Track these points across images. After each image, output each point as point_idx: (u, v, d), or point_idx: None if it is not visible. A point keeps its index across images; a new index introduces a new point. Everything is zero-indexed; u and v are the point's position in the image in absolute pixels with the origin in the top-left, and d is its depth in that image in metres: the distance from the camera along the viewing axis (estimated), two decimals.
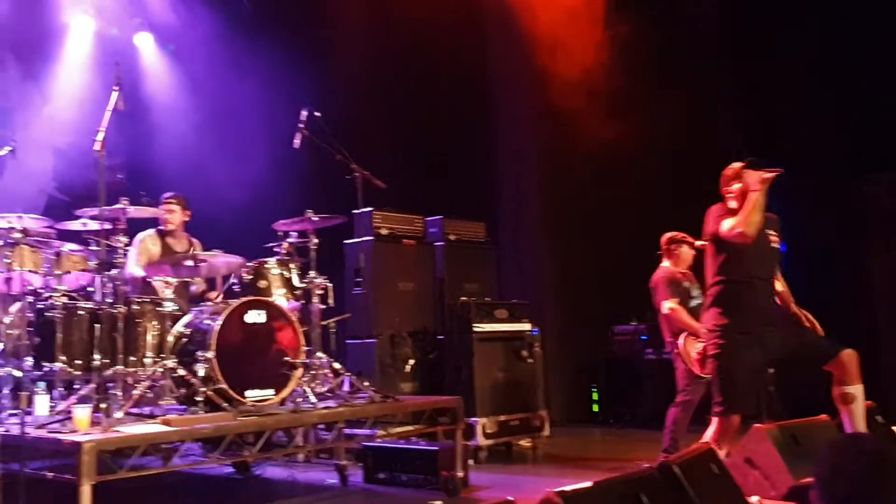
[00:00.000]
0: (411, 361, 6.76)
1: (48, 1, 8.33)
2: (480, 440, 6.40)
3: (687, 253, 5.82)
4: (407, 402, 5.69)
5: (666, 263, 5.84)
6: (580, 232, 8.41)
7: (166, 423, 4.45)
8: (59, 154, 8.56)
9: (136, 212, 5.09)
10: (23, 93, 8.47)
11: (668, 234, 5.91)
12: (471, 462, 5.90)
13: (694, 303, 5.69)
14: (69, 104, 8.54)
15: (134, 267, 5.86)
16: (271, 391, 4.95)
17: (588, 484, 2.81)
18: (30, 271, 5.57)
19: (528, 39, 7.84)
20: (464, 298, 6.82)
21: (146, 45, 8.97)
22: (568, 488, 2.71)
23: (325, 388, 5.37)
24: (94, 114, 8.40)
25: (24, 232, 5.03)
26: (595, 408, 8.55)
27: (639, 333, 8.26)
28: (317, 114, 5.88)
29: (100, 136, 4.75)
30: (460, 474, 5.33)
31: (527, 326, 6.99)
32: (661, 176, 7.81)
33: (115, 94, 4.92)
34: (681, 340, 5.53)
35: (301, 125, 5.81)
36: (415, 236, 7.25)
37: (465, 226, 7.62)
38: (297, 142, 5.81)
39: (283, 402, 5.03)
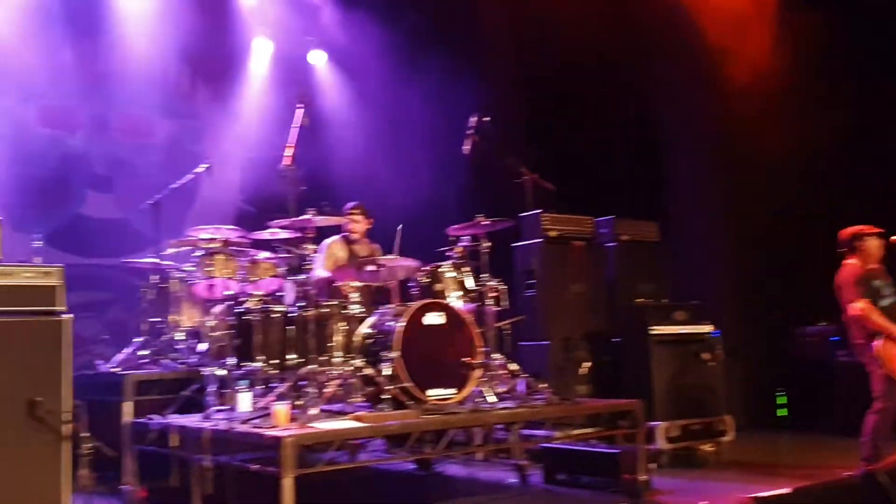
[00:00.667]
0: (586, 364, 6.70)
1: (232, 27, 8.95)
2: (661, 444, 6.24)
3: (873, 246, 5.42)
4: (585, 404, 5.65)
5: (852, 260, 5.46)
6: (758, 230, 8.05)
7: (357, 419, 4.65)
8: (245, 168, 9.16)
9: (322, 221, 5.35)
10: (212, 113, 9.14)
11: (851, 229, 5.52)
12: (652, 466, 5.77)
13: (886, 301, 5.29)
14: (252, 121, 9.14)
15: (320, 270, 6.17)
16: (452, 391, 5.06)
17: (786, 490, 2.70)
18: (227, 278, 6.02)
19: (698, 36, 7.61)
20: (639, 300, 6.70)
21: (320, 62, 9.43)
22: (764, 494, 2.61)
23: (502, 389, 5.44)
24: (275, 129, 9.02)
25: (224, 242, 5.40)
26: (782, 412, 8.11)
27: (828, 335, 7.79)
28: (486, 119, 5.97)
29: (288, 152, 5.03)
30: (643, 478, 5.23)
31: (708, 328, 6.76)
32: (840, 171, 7.37)
33: (299, 112, 5.21)
34: (876, 343, 5.15)
35: (470, 131, 5.91)
36: (585, 237, 7.18)
37: (636, 226, 7.46)
38: (466, 147, 5.93)
39: (463, 402, 5.14)
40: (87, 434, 4.67)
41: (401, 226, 6.01)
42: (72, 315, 4.77)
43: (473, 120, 5.91)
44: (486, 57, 8.48)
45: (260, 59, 9.27)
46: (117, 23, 8.29)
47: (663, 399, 6.39)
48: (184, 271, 6.55)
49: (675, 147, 8.48)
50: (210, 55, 8.98)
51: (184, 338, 6.44)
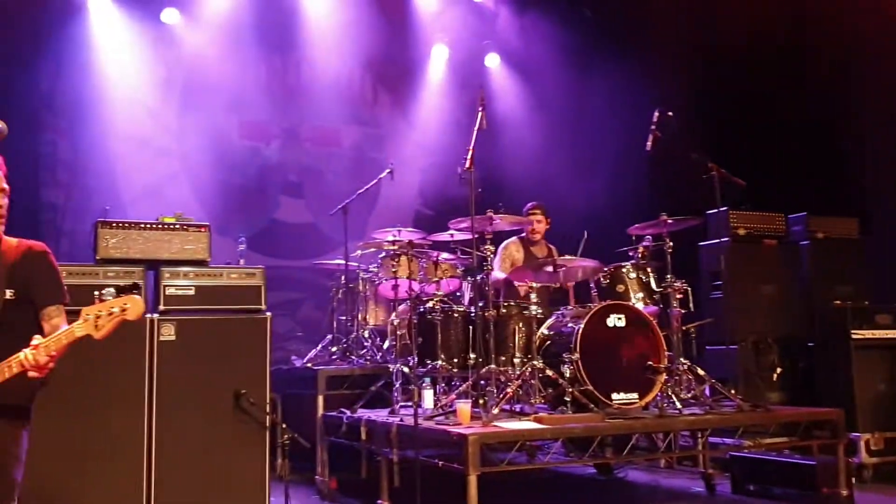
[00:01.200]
0: (778, 370, 6.34)
1: (411, 36, 9.24)
2: (864, 457, 5.80)
3: None
4: (779, 412, 5.35)
5: None
6: None
7: (539, 420, 4.66)
8: (423, 172, 9.44)
9: (502, 222, 5.40)
10: (392, 120, 9.49)
11: None
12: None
13: None
14: (430, 127, 9.41)
15: (498, 272, 6.25)
16: (635, 395, 4.95)
17: None
18: (409, 278, 6.22)
19: None
20: (838, 302, 6.25)
21: (495, 65, 9.53)
22: None
23: (688, 395, 5.26)
24: (452, 134, 9.24)
25: (407, 244, 5.58)
26: None
27: None
28: (668, 113, 5.79)
29: (469, 155, 5.11)
30: (844, 492, 4.88)
31: None
32: None
33: (480, 115, 5.28)
34: None
35: (653, 127, 5.76)
36: (776, 235, 6.79)
37: (833, 223, 6.95)
38: (649, 144, 5.77)
39: (646, 407, 5.03)
40: (285, 425, 4.97)
41: (586, 232, 5.96)
42: (270, 313, 5.13)
43: (655, 115, 5.75)
44: (666, 50, 8.21)
45: (437, 66, 9.51)
46: (306, 38, 8.80)
47: (866, 409, 5.94)
48: (369, 272, 6.85)
49: (876, 137, 7.81)
50: (391, 64, 9.33)
51: (369, 336, 6.74)
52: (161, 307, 4.84)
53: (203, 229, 5.16)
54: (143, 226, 5.00)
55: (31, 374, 2.76)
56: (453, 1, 9.23)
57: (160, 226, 5.05)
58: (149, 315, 4.76)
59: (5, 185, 3.05)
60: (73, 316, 2.95)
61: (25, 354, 2.75)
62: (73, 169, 7.92)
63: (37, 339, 2.79)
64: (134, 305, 2.75)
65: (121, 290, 2.75)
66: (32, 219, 7.42)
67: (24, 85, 7.39)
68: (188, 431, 4.72)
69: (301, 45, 8.83)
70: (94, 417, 4.53)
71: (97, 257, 4.84)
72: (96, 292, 2.85)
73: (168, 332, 4.80)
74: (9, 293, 2.98)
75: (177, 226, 5.09)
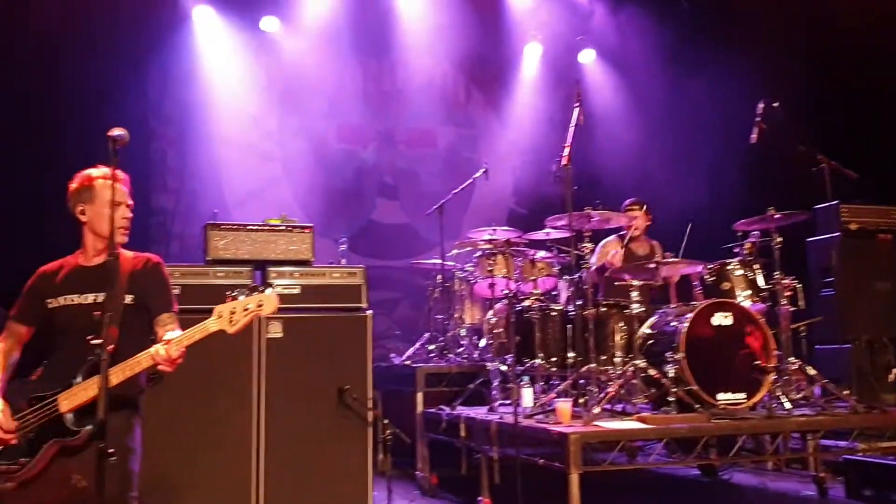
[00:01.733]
0: (894, 370, 6.03)
1: (504, 36, 9.24)
2: None
3: None
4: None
5: None
6: None
7: (642, 420, 4.58)
8: (516, 171, 9.42)
9: (601, 219, 5.34)
10: (486, 120, 9.51)
11: None
12: None
13: None
14: (523, 126, 9.38)
15: (594, 262, 6.19)
16: (742, 395, 4.81)
17: None
18: (505, 277, 6.23)
19: None
20: None
21: (589, 61, 9.42)
22: None
23: (798, 395, 5.07)
24: (545, 132, 9.18)
25: (506, 242, 5.57)
26: None
27: None
28: (774, 104, 5.60)
29: (566, 152, 5.08)
30: None
31: None
32: None
33: (577, 110, 5.23)
34: None
35: (758, 118, 5.58)
36: (891, 230, 6.47)
37: None
38: (754, 137, 5.60)
39: (754, 407, 4.87)
40: (387, 421, 5.05)
41: (690, 223, 5.83)
42: (371, 311, 5.22)
43: (760, 107, 5.56)
44: (771, 39, 7.91)
45: (530, 64, 9.48)
46: (400, 41, 8.93)
47: None
48: (465, 271, 6.89)
49: None
50: (484, 64, 9.36)
51: (466, 334, 6.78)
52: None
53: (307, 230, 5.30)
54: (250, 227, 5.18)
55: (162, 368, 2.92)
56: None
57: (266, 227, 5.22)
58: None
59: (130, 202, 3.25)
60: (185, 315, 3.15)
61: (157, 349, 2.90)
62: (181, 175, 8.27)
63: (170, 335, 2.95)
64: (269, 302, 2.87)
65: (252, 289, 2.87)
66: (143, 223, 7.77)
67: (134, 95, 7.74)
68: (294, 426, 4.86)
69: (396, 48, 8.96)
70: (207, 411, 4.71)
71: (207, 258, 5.03)
72: (228, 292, 2.97)
73: (275, 330, 4.95)
74: (129, 298, 3.18)
75: (282, 227, 5.24)
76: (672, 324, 5.09)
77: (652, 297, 6.14)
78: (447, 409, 5.62)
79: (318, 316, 5.07)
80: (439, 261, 7.08)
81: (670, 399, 4.80)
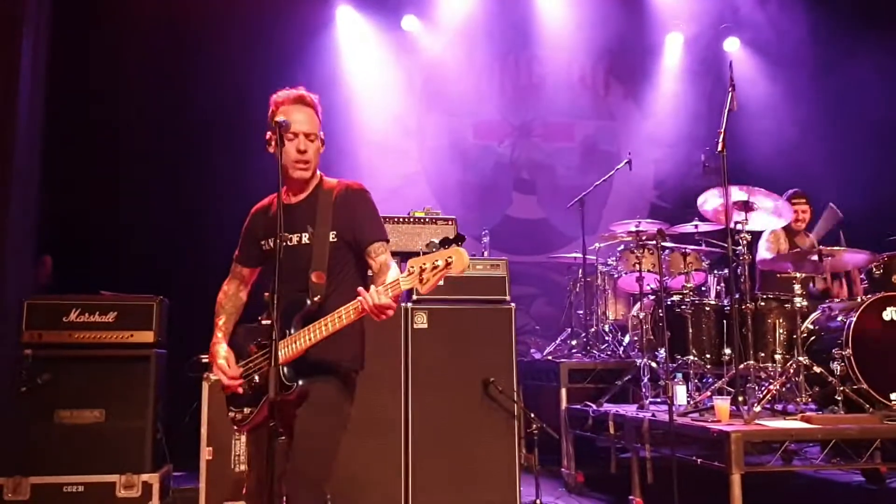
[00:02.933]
0: None
1: (645, 26, 8.98)
2: None
3: None
4: None
5: None
6: None
7: (807, 420, 4.33)
8: (657, 164, 9.14)
9: (759, 209, 5.08)
10: (626, 112, 9.28)
11: None
12: None
13: None
14: (664, 117, 9.09)
15: (765, 252, 5.96)
16: None
17: None
18: (651, 272, 6.03)
19: None
20: None
21: (734, 49, 9.02)
22: None
23: None
24: (687, 123, 8.86)
25: (659, 233, 5.39)
26: None
27: None
28: None
29: (721, 137, 4.86)
30: None
31: None
32: None
33: (730, 95, 5.00)
34: None
35: None
36: None
37: None
38: None
39: None
40: (534, 415, 4.99)
41: (834, 208, 5.49)
42: (514, 304, 5.18)
43: None
44: None
45: (672, 54, 9.18)
46: (538, 35, 8.85)
47: None
48: (608, 265, 6.73)
49: None
50: (624, 55, 9.13)
51: (609, 330, 6.62)
52: (414, 297, 5.05)
53: (450, 223, 5.34)
54: (395, 220, 5.25)
55: (380, 315, 2.64)
56: None
57: (411, 220, 5.28)
58: (403, 304, 4.99)
59: (310, 131, 2.95)
60: None
61: (365, 297, 2.63)
62: (327, 173, 8.49)
63: (372, 289, 2.67)
64: (458, 258, 2.60)
65: (444, 243, 2.63)
66: None
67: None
68: (441, 416, 4.89)
69: (533, 43, 8.89)
70: (357, 400, 4.80)
71: None
72: (422, 244, 2.90)
73: (421, 321, 5.00)
74: (332, 236, 2.92)
75: (426, 219, 5.29)
76: (838, 319, 4.79)
77: (820, 294, 5.83)
78: (593, 406, 5.50)
79: (462, 308, 5.09)
80: (580, 255, 6.95)
81: (837, 398, 4.51)
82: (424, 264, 2.61)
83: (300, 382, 2.78)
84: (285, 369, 2.78)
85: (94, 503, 4.44)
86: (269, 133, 2.95)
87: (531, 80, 9.05)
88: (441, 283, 5.27)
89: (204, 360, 4.44)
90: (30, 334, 4.54)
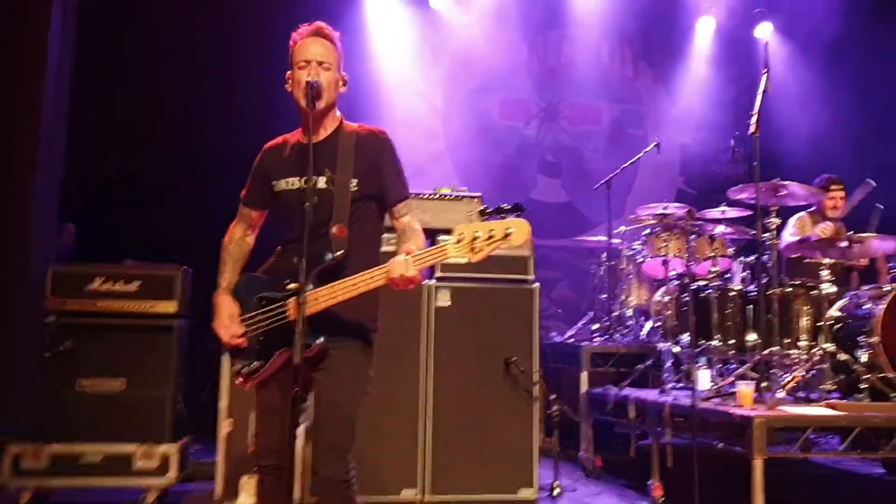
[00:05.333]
0: None
1: (675, 10, 8.84)
2: None
3: None
4: None
5: None
6: None
7: (831, 407, 4.26)
8: (684, 149, 9.03)
9: (791, 194, 4.99)
10: (653, 96, 9.17)
11: None
12: None
13: None
14: (692, 102, 8.98)
15: (789, 237, 5.87)
16: None
17: None
18: (676, 256, 5.95)
19: None
20: None
21: (767, 35, 8.85)
22: None
23: None
24: (715, 109, 8.74)
25: (689, 213, 5.31)
26: None
27: None
28: None
29: (753, 119, 4.77)
30: None
31: None
32: None
33: (764, 76, 4.90)
34: None
35: None
36: None
37: None
38: None
39: None
40: (555, 396, 4.95)
41: (881, 206, 5.37)
42: (538, 284, 5.13)
43: None
44: None
45: (703, 38, 9.04)
46: (567, 16, 8.75)
47: None
48: (633, 249, 6.66)
49: None
50: (654, 38, 9.03)
51: (632, 314, 6.56)
52: (437, 274, 5.01)
53: (475, 200, 5.27)
54: (421, 196, 5.21)
55: (399, 287, 2.55)
56: None
57: (437, 196, 5.24)
58: (426, 282, 4.95)
59: (323, 59, 2.81)
60: None
61: (393, 265, 2.53)
62: None
63: (406, 248, 2.62)
64: (519, 230, 2.42)
65: (501, 212, 2.54)
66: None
67: None
68: (461, 395, 4.85)
69: (563, 23, 8.80)
70: (377, 375, 4.79)
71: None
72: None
73: (444, 299, 4.96)
74: (353, 184, 2.76)
75: (452, 196, 5.24)
76: (866, 306, 4.70)
77: (846, 281, 5.73)
78: (615, 390, 5.45)
79: (485, 286, 5.03)
80: (604, 238, 6.88)
81: (862, 386, 4.44)
82: (477, 232, 2.42)
83: (320, 339, 2.64)
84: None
85: (112, 472, 4.46)
86: (288, 70, 2.86)
87: (559, 61, 8.96)
88: (464, 260, 5.28)
89: None
90: (53, 301, 4.56)
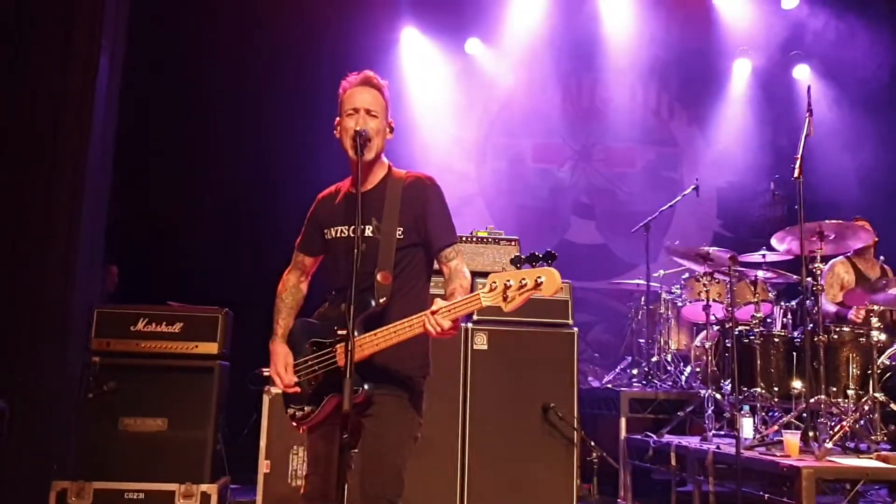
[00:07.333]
0: None
1: (710, 52, 8.83)
2: None
3: None
4: None
5: None
6: None
7: (882, 459, 4.15)
8: (721, 192, 8.98)
9: (835, 237, 4.93)
10: (689, 138, 9.14)
11: None
12: None
13: None
14: (729, 145, 8.94)
15: (827, 303, 5.65)
16: None
17: None
18: (716, 301, 5.89)
19: None
20: None
21: (804, 77, 8.82)
22: None
23: None
24: (752, 151, 8.69)
25: (732, 259, 5.25)
26: None
27: None
28: None
29: (797, 164, 4.74)
30: None
31: None
32: None
33: (808, 120, 4.88)
34: None
35: None
36: None
37: None
38: None
39: None
40: (593, 443, 4.89)
41: None
42: (577, 329, 5.10)
43: None
44: None
45: (739, 81, 9.03)
46: (601, 59, 8.79)
47: None
48: (672, 293, 6.60)
49: None
50: (689, 80, 9.03)
51: (671, 359, 6.48)
52: (475, 317, 5.00)
53: (513, 243, 5.30)
54: (460, 239, 5.21)
55: (440, 336, 2.55)
56: (760, 11, 8.68)
57: (474, 239, 5.25)
58: (463, 324, 4.94)
59: (371, 108, 2.83)
60: None
61: (427, 317, 2.53)
62: None
63: (438, 304, 2.57)
64: (550, 279, 2.41)
65: (531, 260, 2.47)
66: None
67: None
68: (497, 439, 4.82)
69: (597, 67, 8.84)
70: None
71: None
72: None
73: (481, 342, 4.95)
74: (399, 232, 2.78)
75: (489, 239, 5.25)
76: None
77: (887, 329, 5.61)
78: (654, 437, 5.36)
79: (523, 330, 5.02)
80: (641, 282, 6.83)
81: None
82: (509, 281, 2.45)
83: (366, 387, 2.66)
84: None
85: None
86: (337, 117, 2.89)
87: (593, 104, 9.00)
88: None
89: (265, 374, 4.45)
90: (98, 342, 4.62)
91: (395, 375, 2.76)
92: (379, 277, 2.69)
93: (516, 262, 2.53)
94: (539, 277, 2.42)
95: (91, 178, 5.18)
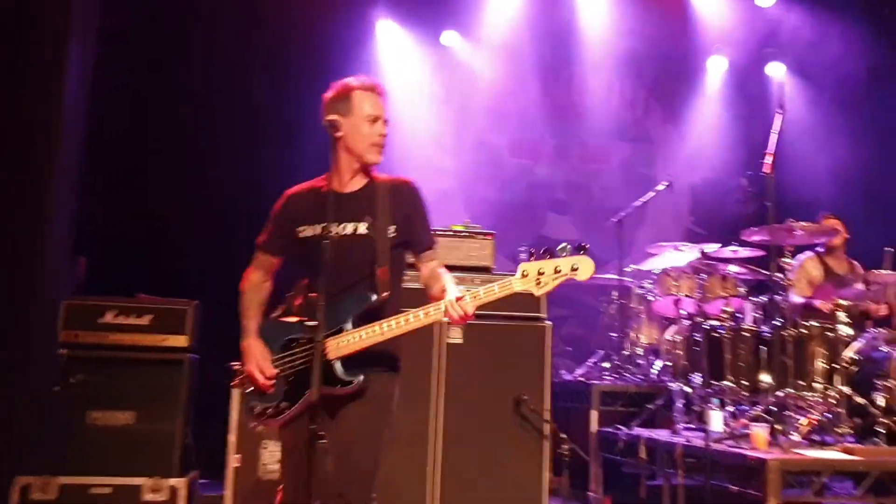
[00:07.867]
0: None
1: (686, 49, 8.89)
2: None
3: None
4: None
5: None
6: None
7: (847, 451, 4.21)
8: (694, 189, 9.04)
9: (804, 233, 4.99)
10: (664, 135, 9.19)
11: None
12: None
13: None
14: (704, 142, 9.00)
15: (796, 296, 5.71)
16: None
17: None
18: (687, 296, 5.94)
19: None
20: None
21: (779, 75, 8.89)
22: None
23: None
24: (726, 149, 8.76)
25: (703, 254, 5.30)
26: None
27: None
28: None
29: (768, 160, 4.79)
30: None
31: None
32: None
33: (778, 118, 4.94)
34: None
35: None
36: None
37: None
38: None
39: None
40: (565, 436, 4.91)
41: (891, 249, 5.35)
42: (551, 322, 5.12)
43: None
44: None
45: (714, 78, 9.09)
46: (578, 55, 8.80)
47: None
48: (643, 288, 6.64)
49: None
50: (665, 77, 9.06)
51: (642, 353, 6.52)
52: None
53: (489, 237, 5.30)
54: (434, 233, 5.21)
55: (455, 324, 2.68)
56: (735, 9, 8.74)
57: (450, 233, 5.25)
58: None
59: (387, 117, 2.96)
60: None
61: (450, 304, 2.64)
62: None
63: (454, 292, 2.69)
64: (584, 266, 2.56)
65: (563, 249, 2.61)
66: None
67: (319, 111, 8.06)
68: (470, 432, 4.84)
69: (574, 62, 8.83)
70: None
71: None
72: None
73: (455, 335, 4.96)
74: (391, 230, 2.88)
75: (465, 233, 5.26)
76: (882, 349, 4.67)
77: (861, 323, 5.68)
78: (625, 430, 5.40)
79: (497, 324, 5.03)
80: (614, 277, 6.87)
81: (878, 431, 4.39)
82: (543, 269, 2.59)
83: (360, 378, 2.75)
84: (339, 363, 2.75)
85: None
86: (334, 115, 2.91)
87: (570, 100, 9.00)
88: None
89: (236, 367, 4.42)
90: (66, 334, 4.57)
91: (382, 359, 2.85)
92: (379, 273, 2.79)
93: (538, 255, 2.65)
94: (574, 265, 2.58)
95: (60, 170, 5.12)
